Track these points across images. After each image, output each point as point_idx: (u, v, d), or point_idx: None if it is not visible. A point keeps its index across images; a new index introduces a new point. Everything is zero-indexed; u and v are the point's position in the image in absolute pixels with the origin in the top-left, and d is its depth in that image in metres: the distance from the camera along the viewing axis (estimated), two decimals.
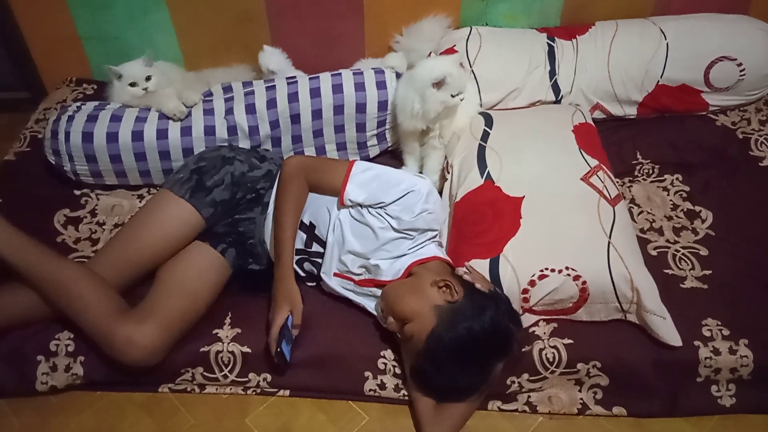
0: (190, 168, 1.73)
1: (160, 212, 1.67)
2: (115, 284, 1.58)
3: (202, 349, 1.59)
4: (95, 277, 1.55)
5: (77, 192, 1.99)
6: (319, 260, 1.66)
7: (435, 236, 1.65)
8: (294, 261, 1.68)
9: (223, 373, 1.60)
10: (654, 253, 1.78)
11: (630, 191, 1.98)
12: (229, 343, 1.61)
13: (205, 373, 1.60)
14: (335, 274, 1.64)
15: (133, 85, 1.93)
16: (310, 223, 1.68)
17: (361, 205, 1.60)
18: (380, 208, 1.58)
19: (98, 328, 1.48)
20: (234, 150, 1.82)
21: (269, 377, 1.60)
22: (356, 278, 1.62)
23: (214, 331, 1.63)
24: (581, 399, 1.58)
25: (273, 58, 2.15)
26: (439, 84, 1.80)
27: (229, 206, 1.71)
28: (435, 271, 1.54)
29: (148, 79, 1.93)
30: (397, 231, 1.57)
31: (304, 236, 1.68)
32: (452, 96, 1.82)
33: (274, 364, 1.55)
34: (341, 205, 1.62)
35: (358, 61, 2.28)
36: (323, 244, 1.65)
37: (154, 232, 1.64)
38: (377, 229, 1.57)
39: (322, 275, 1.65)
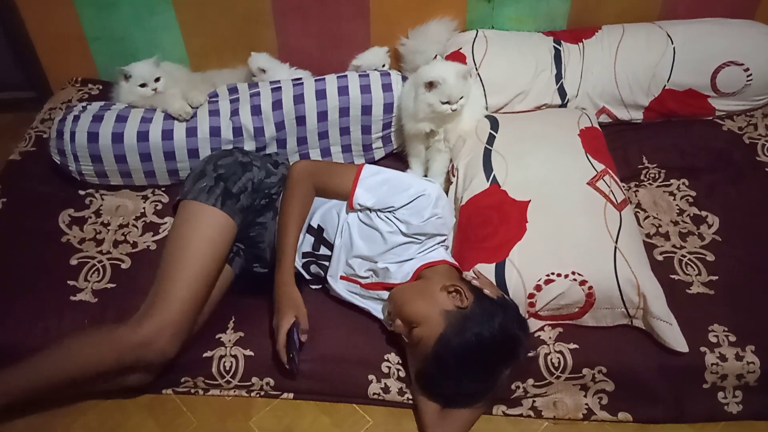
0: (213, 175, 1.68)
1: (202, 229, 1.59)
2: (188, 322, 1.51)
3: (205, 355, 1.59)
4: (68, 337, 1.51)
5: (82, 192, 1.98)
6: (326, 263, 1.66)
7: (443, 240, 1.65)
8: (301, 264, 1.68)
9: (225, 380, 1.60)
10: (660, 258, 1.77)
11: (636, 196, 1.97)
12: (231, 347, 1.61)
13: (207, 381, 1.60)
14: (342, 277, 1.64)
15: (143, 85, 1.93)
16: (318, 226, 1.68)
17: (370, 209, 1.60)
18: (389, 212, 1.58)
19: (111, 350, 1.45)
20: (247, 154, 1.81)
21: (272, 381, 1.59)
22: (363, 281, 1.61)
23: (218, 336, 1.63)
24: (586, 404, 1.58)
25: (259, 58, 2.14)
26: (430, 85, 1.80)
27: (248, 212, 1.70)
28: (444, 275, 1.53)
29: (157, 80, 1.94)
30: (405, 235, 1.57)
31: (312, 239, 1.68)
32: (442, 102, 1.81)
33: (283, 370, 1.55)
34: (350, 208, 1.62)
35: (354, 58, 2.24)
36: (331, 247, 1.65)
37: (206, 255, 1.56)
38: (386, 233, 1.57)
39: (328, 278, 1.65)
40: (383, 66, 2.13)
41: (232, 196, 1.65)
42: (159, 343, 1.45)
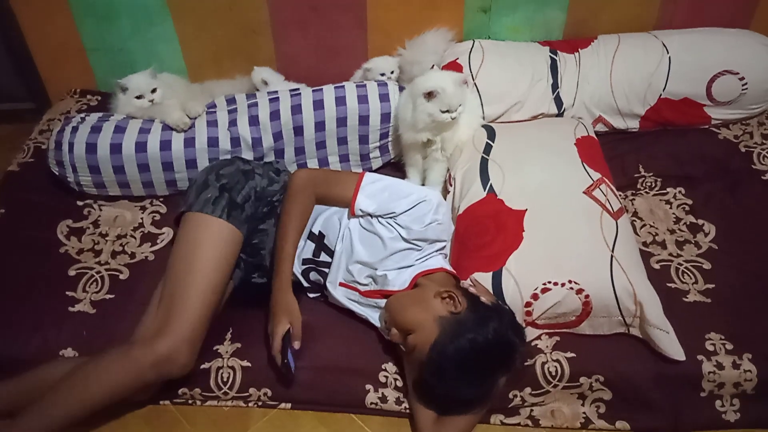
0: (216, 185, 1.67)
1: (211, 242, 1.59)
2: (202, 334, 1.51)
3: (202, 366, 1.59)
4: (82, 366, 1.47)
5: (80, 203, 1.99)
6: (326, 270, 1.66)
7: (443, 248, 1.66)
8: (300, 271, 1.69)
9: (222, 391, 1.60)
10: (657, 266, 1.78)
11: (633, 204, 1.97)
12: (229, 359, 1.61)
13: (204, 393, 1.60)
14: (341, 284, 1.64)
15: (139, 97, 1.94)
16: (320, 232, 1.69)
17: (371, 215, 1.61)
18: (390, 218, 1.59)
19: (130, 372, 1.43)
20: (248, 162, 1.82)
21: (270, 392, 1.59)
22: (361, 288, 1.62)
23: (215, 347, 1.63)
24: (584, 413, 1.58)
25: (264, 72, 2.16)
26: (429, 95, 1.81)
27: (252, 220, 1.71)
28: (440, 282, 1.54)
29: (153, 91, 1.95)
30: (406, 241, 1.58)
31: (313, 246, 1.68)
32: (441, 111, 1.82)
33: (280, 377, 1.56)
34: (352, 215, 1.63)
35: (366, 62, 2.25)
36: (331, 253, 1.66)
37: (216, 268, 1.57)
38: (386, 239, 1.58)
39: (327, 285, 1.65)
40: (392, 72, 2.16)
41: (237, 207, 1.65)
42: (179, 359, 1.46)
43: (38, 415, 1.40)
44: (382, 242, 1.59)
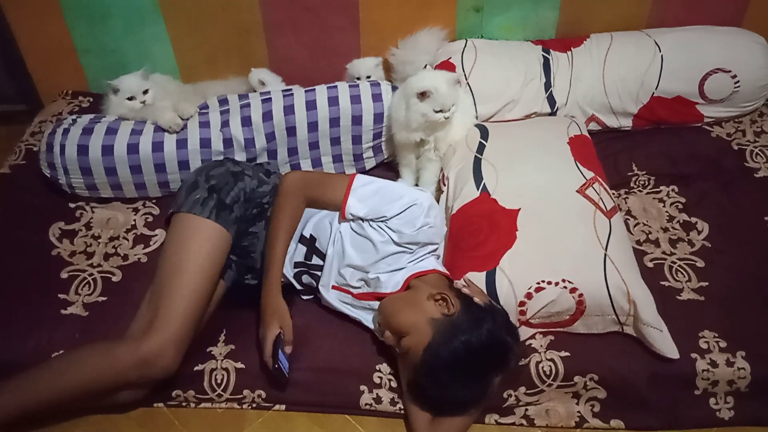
0: (205, 186, 1.67)
1: (198, 242, 1.58)
2: (188, 336, 1.50)
3: (196, 368, 1.59)
4: (66, 355, 1.50)
5: (72, 205, 1.98)
6: (318, 273, 1.66)
7: (435, 250, 1.65)
8: (292, 274, 1.68)
9: (216, 393, 1.59)
10: (650, 264, 1.78)
11: (626, 203, 1.98)
12: (222, 360, 1.60)
13: (197, 396, 1.59)
14: (333, 287, 1.64)
15: (131, 98, 1.93)
16: (311, 235, 1.68)
17: (362, 219, 1.60)
18: (381, 221, 1.58)
19: (112, 368, 1.44)
20: (238, 164, 1.81)
21: (264, 393, 1.59)
22: (354, 291, 1.62)
23: (209, 349, 1.62)
24: (579, 412, 1.58)
25: (261, 73, 2.16)
26: (423, 95, 1.81)
27: (241, 222, 1.70)
28: (433, 284, 1.54)
29: (145, 92, 1.94)
30: (397, 244, 1.57)
31: (304, 249, 1.68)
32: (435, 111, 1.82)
33: (273, 381, 1.55)
34: (342, 218, 1.62)
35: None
36: (323, 257, 1.65)
37: (204, 268, 1.56)
38: (378, 243, 1.57)
39: (320, 288, 1.65)
40: (368, 77, 2.13)
41: (225, 208, 1.65)
42: (162, 360, 1.45)
43: (13, 393, 1.42)
44: (373, 246, 1.59)
